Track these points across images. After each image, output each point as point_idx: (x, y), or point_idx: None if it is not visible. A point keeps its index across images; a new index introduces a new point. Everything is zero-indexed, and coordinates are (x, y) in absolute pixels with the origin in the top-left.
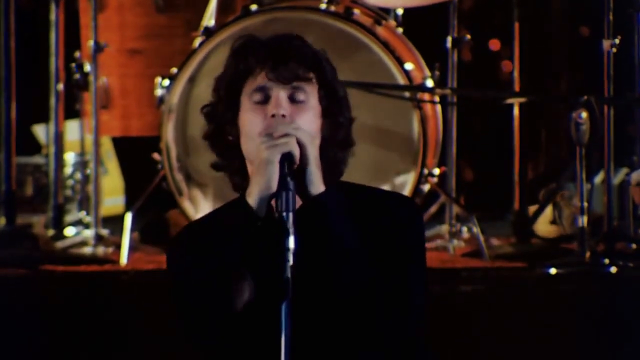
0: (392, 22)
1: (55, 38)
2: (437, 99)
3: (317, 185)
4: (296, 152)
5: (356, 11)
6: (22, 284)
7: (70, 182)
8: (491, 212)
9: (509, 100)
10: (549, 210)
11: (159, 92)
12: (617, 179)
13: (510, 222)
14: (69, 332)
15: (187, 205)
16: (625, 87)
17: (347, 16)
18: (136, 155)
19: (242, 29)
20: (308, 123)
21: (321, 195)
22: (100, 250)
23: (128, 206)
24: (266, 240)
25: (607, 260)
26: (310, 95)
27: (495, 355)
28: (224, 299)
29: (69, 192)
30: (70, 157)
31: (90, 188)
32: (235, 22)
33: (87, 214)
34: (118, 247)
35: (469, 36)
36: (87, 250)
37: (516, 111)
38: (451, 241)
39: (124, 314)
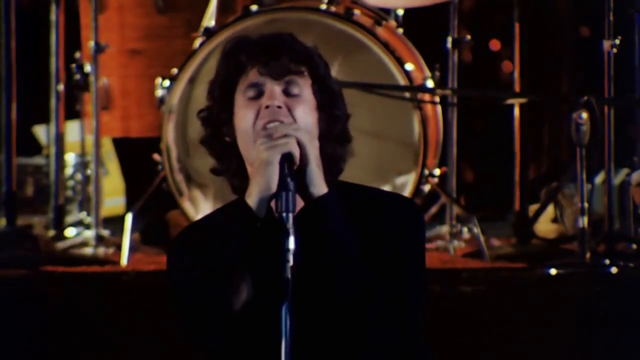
0: (393, 23)
1: (55, 38)
2: (437, 99)
3: (318, 185)
4: (296, 153)
5: (356, 12)
6: (23, 285)
7: (70, 182)
8: (492, 212)
9: (510, 101)
10: (550, 209)
11: (159, 92)
12: (617, 180)
13: (510, 223)
14: (70, 333)
15: (187, 206)
16: (625, 88)
17: (347, 17)
18: (136, 156)
19: (243, 30)
20: (304, 115)
21: (323, 197)
22: (101, 251)
23: (128, 207)
24: (266, 241)
25: (607, 261)
26: (304, 88)
27: (495, 356)
28: (222, 299)
29: (69, 193)
30: (70, 157)
31: (91, 189)
32: (235, 22)
33: (88, 214)
34: (118, 247)
35: (469, 37)
36: (88, 251)
37: (517, 111)
38: (452, 242)
39: (125, 314)
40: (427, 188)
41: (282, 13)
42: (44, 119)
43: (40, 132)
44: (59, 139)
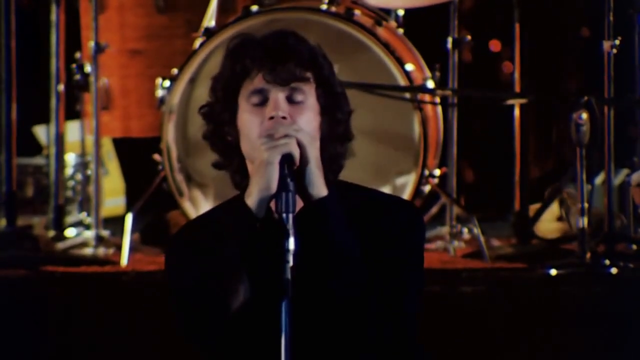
0: (393, 23)
1: (55, 39)
2: (437, 100)
3: (318, 186)
4: (296, 153)
5: (357, 12)
6: (23, 285)
7: (70, 183)
8: (492, 213)
9: (510, 101)
10: (555, 208)
11: (159, 93)
12: (617, 180)
13: (510, 223)
14: (70, 333)
15: (187, 206)
16: (625, 88)
17: (347, 17)
18: (137, 156)
19: (243, 30)
20: (307, 122)
21: (323, 199)
22: (101, 251)
23: (129, 207)
24: (265, 242)
25: (607, 261)
26: (308, 94)
27: (495, 356)
28: (220, 299)
29: (69, 193)
30: (70, 158)
31: (91, 189)
32: (236, 22)
33: (88, 215)
34: (119, 248)
35: (469, 37)
36: (88, 251)
37: (517, 112)
38: (452, 242)
39: (125, 314)
40: (427, 188)
41: (282, 13)
42: (44, 119)
43: (41, 132)
44: (59, 139)
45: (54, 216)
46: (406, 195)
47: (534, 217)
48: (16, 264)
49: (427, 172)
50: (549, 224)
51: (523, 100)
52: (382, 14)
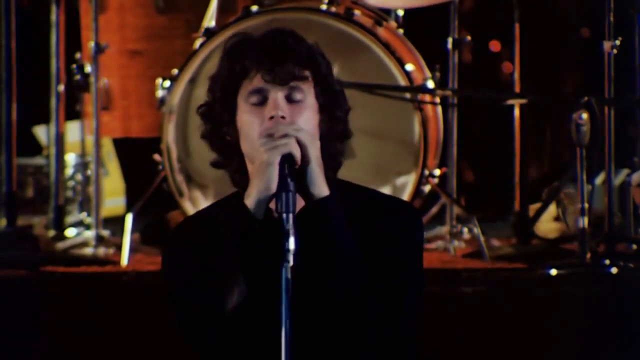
0: (393, 23)
1: (56, 39)
2: (437, 100)
3: (319, 185)
4: (297, 153)
5: (357, 12)
6: (23, 285)
7: (71, 183)
8: (492, 213)
9: (510, 102)
10: (552, 208)
11: (159, 93)
12: (617, 180)
13: (510, 223)
14: (70, 333)
15: (187, 206)
16: (625, 88)
17: (347, 17)
18: (137, 156)
19: (243, 30)
20: (307, 121)
21: (325, 198)
22: (101, 251)
23: (129, 207)
24: (264, 242)
25: (607, 261)
26: (307, 93)
27: (496, 356)
28: (214, 297)
29: (69, 194)
30: (71, 158)
31: (91, 189)
32: (236, 23)
33: (88, 215)
34: (119, 248)
35: (469, 37)
36: (88, 251)
37: (517, 112)
38: (452, 242)
39: (125, 315)
40: (427, 188)
41: (282, 13)
42: (44, 120)
43: (41, 132)
44: (59, 140)
45: (54, 216)
46: (406, 195)
47: (533, 217)
48: (16, 264)
49: (427, 172)
50: (546, 224)
51: (523, 101)
52: (382, 14)
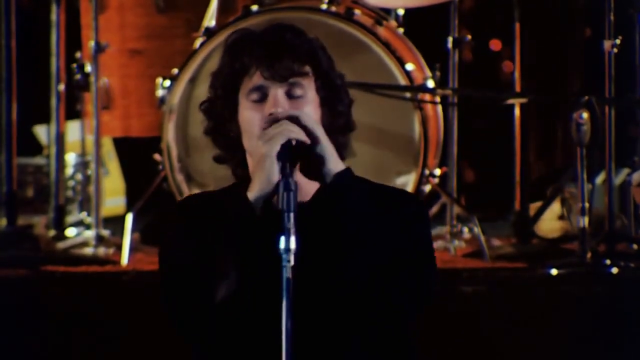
0: (393, 23)
1: (56, 38)
2: (438, 99)
3: (334, 161)
4: (300, 136)
5: (357, 11)
6: (23, 285)
7: (71, 182)
8: (492, 212)
9: (510, 101)
10: (557, 207)
11: (159, 92)
12: (618, 180)
13: (511, 223)
14: (70, 333)
15: None
16: (626, 88)
17: (348, 16)
18: (137, 155)
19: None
20: None
21: (344, 171)
22: (101, 251)
23: (129, 207)
24: (262, 235)
25: (608, 261)
26: (308, 88)
27: (496, 356)
28: (204, 281)
29: (70, 193)
30: (71, 157)
31: (91, 189)
32: (236, 22)
33: (88, 214)
34: (119, 247)
35: (469, 36)
36: (88, 251)
37: (517, 111)
38: (452, 242)
39: (125, 314)
40: (427, 188)
41: (282, 13)
42: (45, 119)
43: (41, 132)
44: (60, 139)
45: (55, 216)
46: None
47: (534, 216)
48: (16, 263)
49: (427, 172)
50: (550, 223)
51: (523, 100)
52: (382, 14)
